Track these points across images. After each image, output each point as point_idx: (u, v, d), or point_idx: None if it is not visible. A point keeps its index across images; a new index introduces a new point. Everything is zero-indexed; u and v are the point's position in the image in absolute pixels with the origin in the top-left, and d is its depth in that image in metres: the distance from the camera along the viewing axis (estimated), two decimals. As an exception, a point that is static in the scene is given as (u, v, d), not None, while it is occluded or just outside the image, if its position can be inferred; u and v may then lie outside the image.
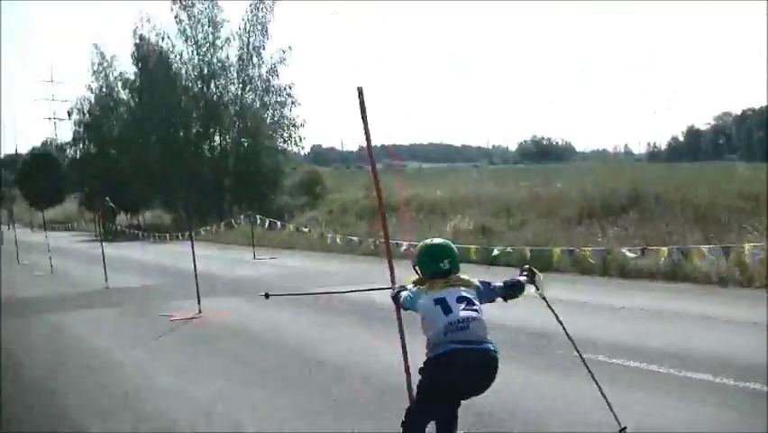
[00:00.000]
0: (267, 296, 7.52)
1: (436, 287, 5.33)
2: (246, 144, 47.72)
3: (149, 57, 47.55)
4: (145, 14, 47.59)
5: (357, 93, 6.15)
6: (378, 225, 26.67)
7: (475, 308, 5.23)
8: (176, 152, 45.60)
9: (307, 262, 23.23)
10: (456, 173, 51.14)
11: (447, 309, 5.16)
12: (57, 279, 21.28)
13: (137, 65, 48.82)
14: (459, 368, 5.04)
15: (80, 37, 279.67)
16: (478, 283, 5.51)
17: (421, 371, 5.28)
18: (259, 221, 30.07)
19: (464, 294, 5.29)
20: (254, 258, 24.79)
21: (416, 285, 5.58)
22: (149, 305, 15.21)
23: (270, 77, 47.34)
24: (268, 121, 47.65)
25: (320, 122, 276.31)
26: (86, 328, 13.19)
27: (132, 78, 50.30)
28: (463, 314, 5.13)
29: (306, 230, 28.51)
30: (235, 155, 47.34)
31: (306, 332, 11.61)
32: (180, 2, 46.73)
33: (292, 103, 47.42)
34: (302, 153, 53.46)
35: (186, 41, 47.58)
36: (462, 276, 5.51)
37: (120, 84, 53.30)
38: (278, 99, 47.50)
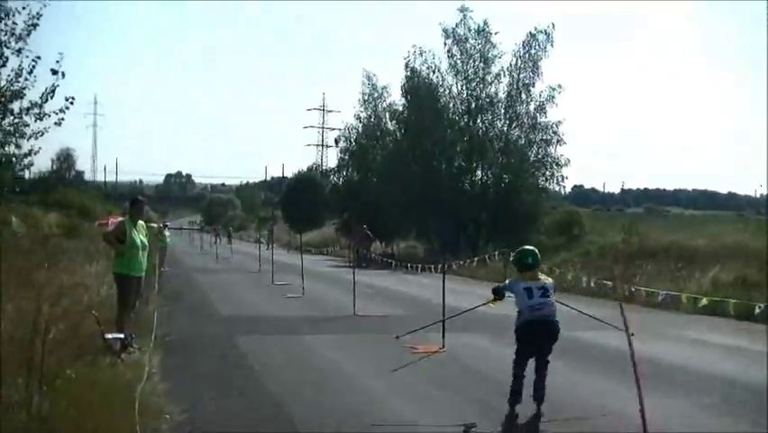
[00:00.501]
0: (398, 337, 13.35)
1: (526, 278, 9.31)
2: (507, 180, 47.64)
3: (418, 89, 48.38)
4: (418, 48, 48.48)
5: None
6: (634, 271, 26.15)
7: (549, 294, 9.17)
8: (436, 184, 46.04)
9: (557, 304, 22.88)
10: (720, 221, 48.74)
11: (530, 296, 9.09)
12: (307, 301, 22.02)
13: (406, 96, 49.92)
14: (532, 328, 9.09)
15: (354, 68, 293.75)
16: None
17: (515, 332, 9.29)
18: (512, 258, 30.03)
19: (545, 285, 9.23)
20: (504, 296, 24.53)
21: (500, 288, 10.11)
22: (393, 334, 15.31)
23: (538, 114, 46.97)
24: (531, 158, 47.35)
25: (583, 161, 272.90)
26: (330, 352, 13.62)
27: (400, 108, 51.76)
28: (540, 300, 9.06)
29: (557, 271, 28.26)
30: (495, 191, 47.33)
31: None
32: (454, 37, 47.57)
33: (557, 141, 46.80)
34: (563, 193, 52.82)
35: (456, 75, 48.08)
36: (541, 274, 9.51)
37: (388, 114, 55.42)
38: (544, 137, 46.99)
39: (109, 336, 11.14)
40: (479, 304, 12.25)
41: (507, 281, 10.02)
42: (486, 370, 12.16)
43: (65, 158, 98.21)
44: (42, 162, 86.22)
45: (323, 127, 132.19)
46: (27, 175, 27.49)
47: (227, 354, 13.03)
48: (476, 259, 34.17)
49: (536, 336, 9.15)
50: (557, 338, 9.21)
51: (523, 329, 9.19)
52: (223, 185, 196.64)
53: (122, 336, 11.51)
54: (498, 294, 10.15)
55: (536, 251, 9.70)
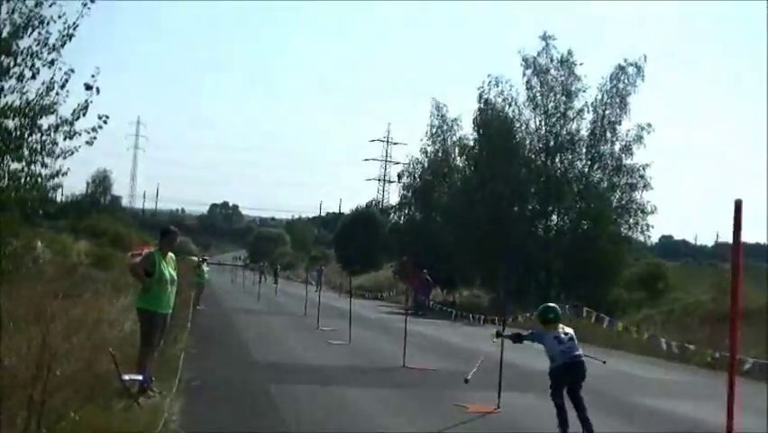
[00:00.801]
0: (466, 381, 14.04)
1: (552, 329, 11.62)
2: (586, 227, 47.09)
3: (492, 123, 48.17)
4: (493, 78, 48.29)
5: (734, 207, 5.87)
6: (723, 335, 25.64)
7: (573, 339, 11.53)
8: (506, 227, 45.32)
9: (633, 366, 22.44)
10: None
11: (560, 342, 11.41)
12: (353, 350, 21.90)
13: (478, 130, 49.74)
14: (567, 370, 11.33)
15: (423, 98, 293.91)
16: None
17: (549, 375, 11.50)
18: (585, 314, 29.74)
19: (569, 332, 11.61)
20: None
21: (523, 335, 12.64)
22: (444, 390, 15.29)
23: (623, 155, 46.52)
24: (614, 204, 46.82)
25: (673, 210, 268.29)
26: (373, 407, 13.55)
27: (471, 143, 51.63)
28: (569, 344, 11.41)
29: (635, 329, 27.79)
30: (572, 238, 46.90)
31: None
32: (534, 67, 47.31)
33: (644, 186, 46.25)
34: (648, 243, 51.97)
35: (534, 108, 47.91)
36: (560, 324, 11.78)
37: (457, 149, 55.37)
38: (629, 181, 46.49)
39: (126, 377, 11.12)
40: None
41: (533, 331, 12.54)
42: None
43: (101, 181, 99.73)
44: (77, 185, 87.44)
45: (386, 160, 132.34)
46: (58, 198, 27.74)
47: (257, 404, 12.96)
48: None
49: (571, 376, 11.36)
50: (585, 376, 11.51)
51: (559, 371, 11.41)
52: (272, 219, 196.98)
53: (140, 377, 11.51)
54: (519, 341, 12.56)
55: (557, 307, 12.33)
